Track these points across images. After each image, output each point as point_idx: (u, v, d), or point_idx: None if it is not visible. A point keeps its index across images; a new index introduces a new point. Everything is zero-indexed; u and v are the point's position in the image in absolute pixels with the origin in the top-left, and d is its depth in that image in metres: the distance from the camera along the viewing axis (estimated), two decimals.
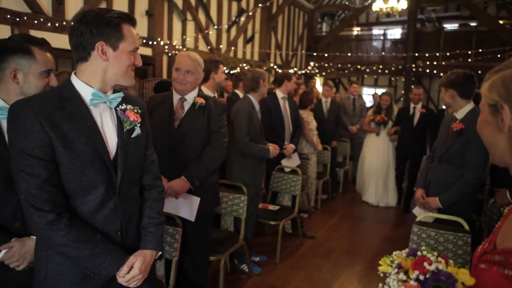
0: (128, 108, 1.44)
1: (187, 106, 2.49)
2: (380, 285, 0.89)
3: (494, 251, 0.88)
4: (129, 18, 1.37)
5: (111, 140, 1.39)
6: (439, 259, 0.84)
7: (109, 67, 1.36)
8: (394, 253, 0.92)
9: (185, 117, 2.46)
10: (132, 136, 1.44)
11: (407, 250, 0.91)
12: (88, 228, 1.34)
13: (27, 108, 1.25)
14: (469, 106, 2.62)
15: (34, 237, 1.50)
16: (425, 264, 0.83)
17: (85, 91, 1.35)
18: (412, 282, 0.82)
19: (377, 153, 5.80)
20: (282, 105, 4.24)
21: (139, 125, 1.46)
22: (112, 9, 1.43)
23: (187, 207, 2.45)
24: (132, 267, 1.40)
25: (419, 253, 0.87)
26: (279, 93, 4.26)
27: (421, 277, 0.82)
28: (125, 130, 1.42)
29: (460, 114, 2.63)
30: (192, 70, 2.43)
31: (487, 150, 0.93)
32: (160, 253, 1.56)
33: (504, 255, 0.82)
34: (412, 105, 5.43)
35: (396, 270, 0.87)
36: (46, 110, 1.27)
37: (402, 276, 0.85)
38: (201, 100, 2.46)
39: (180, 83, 2.44)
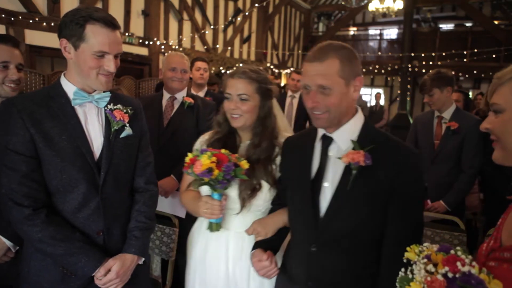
0: (117, 108, 1.41)
1: (177, 105, 2.57)
2: (403, 269, 0.89)
3: (502, 248, 0.87)
4: (98, 20, 1.27)
5: (96, 139, 1.38)
6: (473, 263, 0.83)
7: (74, 66, 1.35)
8: (425, 244, 0.91)
9: (174, 116, 2.53)
10: (121, 136, 1.41)
11: (437, 245, 0.90)
12: (66, 226, 1.32)
13: (10, 105, 1.28)
14: (454, 105, 2.68)
15: None
16: (458, 263, 0.82)
17: (70, 90, 1.36)
18: (439, 276, 0.81)
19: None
20: (288, 103, 4.44)
21: (128, 125, 1.42)
22: (96, 8, 1.36)
23: (177, 205, 2.46)
24: (110, 270, 1.34)
25: (452, 251, 0.86)
26: (288, 91, 4.54)
27: (450, 275, 0.81)
28: (112, 130, 1.39)
29: (448, 114, 2.66)
30: (186, 69, 2.62)
31: (482, 149, 0.92)
32: (143, 259, 1.48)
33: None
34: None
35: (425, 260, 0.86)
36: (30, 108, 1.28)
37: (431, 267, 0.84)
38: (189, 100, 2.54)
39: (178, 81, 2.57)
